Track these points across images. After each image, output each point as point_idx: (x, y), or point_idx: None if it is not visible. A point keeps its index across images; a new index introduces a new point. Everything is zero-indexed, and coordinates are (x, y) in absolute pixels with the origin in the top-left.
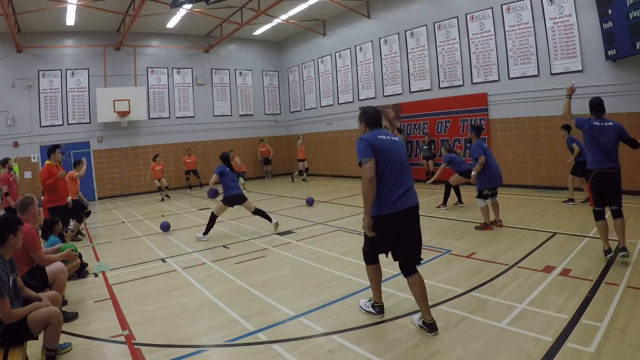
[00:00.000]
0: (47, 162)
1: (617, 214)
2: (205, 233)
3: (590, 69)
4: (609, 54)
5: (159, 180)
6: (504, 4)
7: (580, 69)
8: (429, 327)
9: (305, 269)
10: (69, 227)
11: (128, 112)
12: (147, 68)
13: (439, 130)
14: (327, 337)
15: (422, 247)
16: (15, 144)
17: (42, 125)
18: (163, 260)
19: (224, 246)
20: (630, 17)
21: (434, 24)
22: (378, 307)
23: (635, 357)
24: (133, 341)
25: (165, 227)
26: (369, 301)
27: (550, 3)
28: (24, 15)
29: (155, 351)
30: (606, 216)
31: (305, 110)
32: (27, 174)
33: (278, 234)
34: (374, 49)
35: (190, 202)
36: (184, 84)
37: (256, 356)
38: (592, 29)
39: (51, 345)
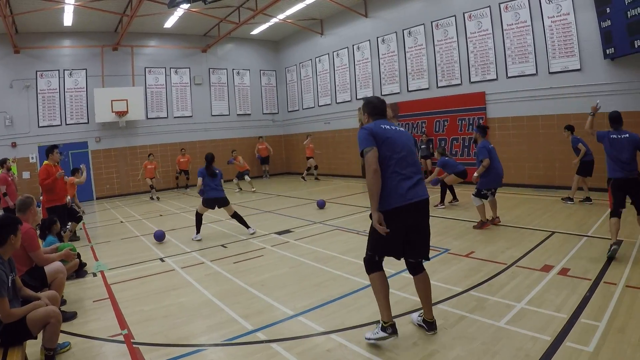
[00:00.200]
0: (45, 162)
1: None
2: (197, 232)
3: (589, 67)
4: (607, 52)
5: (151, 179)
6: (502, 3)
7: (579, 67)
8: (429, 325)
9: (304, 268)
10: (67, 227)
11: (126, 112)
12: (145, 68)
13: (437, 130)
14: (326, 336)
15: None
16: (14, 145)
17: (40, 125)
18: (161, 259)
19: (222, 245)
20: (629, 16)
21: (431, 22)
22: (390, 327)
23: (634, 356)
24: (132, 340)
25: (160, 237)
26: (376, 326)
27: (548, 2)
28: (21, 16)
29: (154, 350)
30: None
31: (303, 109)
32: (26, 174)
33: (276, 233)
34: (371, 48)
35: (188, 202)
36: (182, 84)
37: (255, 355)
38: (590, 27)
39: (50, 345)
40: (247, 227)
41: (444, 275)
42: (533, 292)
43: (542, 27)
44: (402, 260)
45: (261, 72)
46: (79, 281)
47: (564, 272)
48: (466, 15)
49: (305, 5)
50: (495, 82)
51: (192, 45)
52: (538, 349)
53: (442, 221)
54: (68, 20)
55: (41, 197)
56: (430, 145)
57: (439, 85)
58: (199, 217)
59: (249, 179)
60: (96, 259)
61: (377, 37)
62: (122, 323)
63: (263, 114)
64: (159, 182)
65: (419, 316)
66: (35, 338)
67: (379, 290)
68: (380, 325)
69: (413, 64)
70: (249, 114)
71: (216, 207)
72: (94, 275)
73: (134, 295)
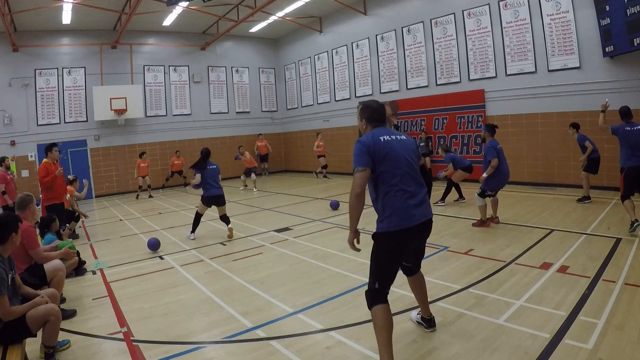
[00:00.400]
0: (44, 160)
1: None
2: (193, 231)
3: (588, 65)
4: (607, 50)
5: (143, 178)
6: (501, 1)
7: (578, 65)
8: (428, 322)
9: (303, 265)
10: (66, 225)
11: (125, 110)
12: (144, 66)
13: (436, 127)
14: (325, 334)
15: None
16: (13, 143)
17: (39, 123)
18: (161, 257)
19: (221, 243)
20: (628, 14)
21: (430, 20)
22: None
23: (633, 353)
24: (131, 338)
25: (154, 246)
26: None
27: None
28: (20, 14)
29: (154, 348)
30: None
31: (302, 107)
32: (25, 173)
33: (276, 230)
34: (370, 45)
35: (187, 200)
36: (181, 82)
37: (254, 352)
38: (589, 25)
39: (50, 343)
40: (228, 223)
41: (443, 272)
42: (532, 290)
43: (542, 25)
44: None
45: (260, 69)
46: (78, 279)
47: (563, 269)
48: (465, 12)
49: (304, 2)
50: (494, 80)
51: (191, 43)
52: (537, 346)
53: (441, 219)
54: (67, 18)
55: (40, 196)
56: (430, 143)
57: (438, 83)
58: (198, 217)
59: (255, 177)
60: (95, 257)
61: (376, 35)
62: (122, 321)
63: (262, 111)
64: (146, 181)
65: (418, 314)
66: (35, 336)
67: (382, 327)
68: None
69: (412, 62)
70: (248, 112)
71: (212, 206)
72: (94, 273)
73: (133, 292)
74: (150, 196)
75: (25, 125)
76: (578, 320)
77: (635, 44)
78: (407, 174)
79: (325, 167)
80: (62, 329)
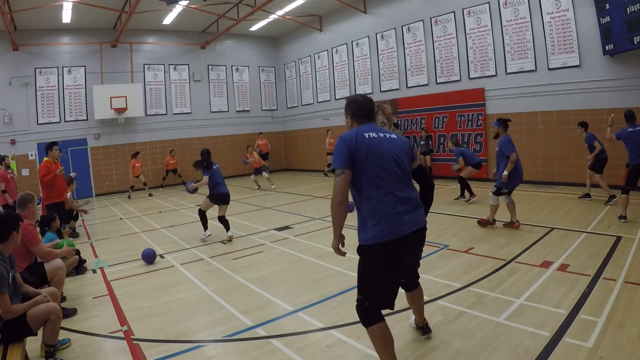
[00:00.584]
0: (45, 159)
1: None
2: (205, 229)
3: (588, 63)
4: (607, 48)
5: (137, 177)
6: None
7: (578, 63)
8: (422, 330)
9: (303, 264)
10: (66, 224)
11: (125, 109)
12: (144, 65)
13: (436, 126)
14: (326, 332)
15: None
16: (13, 142)
17: (39, 122)
18: (161, 256)
19: (221, 242)
20: (628, 12)
21: (430, 19)
22: None
23: (633, 352)
24: (132, 337)
25: (149, 257)
26: None
27: None
28: (20, 13)
29: (154, 347)
30: None
31: (302, 105)
32: (25, 172)
33: (276, 229)
34: (370, 44)
35: (186, 198)
36: (181, 81)
37: (254, 351)
38: (589, 23)
39: (50, 341)
40: (228, 229)
41: (443, 271)
42: (532, 288)
43: (542, 23)
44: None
45: (260, 68)
46: (78, 278)
47: (563, 268)
48: (465, 11)
49: (304, 1)
50: (494, 78)
51: (191, 42)
52: (537, 344)
53: (441, 217)
54: (67, 17)
55: (41, 194)
56: (430, 142)
57: (438, 82)
58: (203, 215)
59: (267, 174)
60: (96, 256)
61: (376, 34)
62: (122, 319)
63: (262, 110)
64: (140, 179)
65: (413, 320)
66: (36, 335)
67: (383, 347)
68: None
69: (412, 60)
70: (248, 111)
71: (218, 204)
72: (94, 272)
73: (133, 291)
74: (150, 195)
75: (25, 124)
76: (578, 318)
77: (635, 42)
78: (396, 175)
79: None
80: (63, 328)
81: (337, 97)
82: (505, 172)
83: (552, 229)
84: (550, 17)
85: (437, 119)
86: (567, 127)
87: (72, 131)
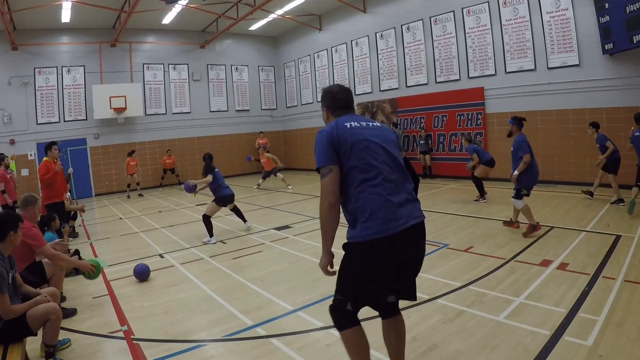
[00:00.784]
0: (44, 158)
1: None
2: (211, 235)
3: (587, 63)
4: (606, 48)
5: (131, 176)
6: None
7: (577, 63)
8: None
9: (303, 263)
10: (66, 223)
11: (124, 109)
12: (143, 64)
13: (436, 125)
14: (325, 331)
15: None
16: (12, 142)
17: (38, 122)
18: (161, 256)
19: (221, 241)
20: (628, 11)
21: (430, 18)
22: None
23: (633, 350)
24: (132, 337)
25: (142, 273)
26: None
27: None
28: (19, 13)
29: (154, 346)
30: None
31: (302, 105)
32: (24, 172)
33: (276, 228)
34: (370, 43)
35: (186, 198)
36: (180, 80)
37: (254, 350)
38: (588, 22)
39: (50, 341)
40: (245, 220)
41: (443, 270)
42: (532, 287)
43: (541, 23)
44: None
45: (260, 68)
46: (78, 278)
47: (562, 266)
48: (465, 10)
49: (303, 0)
50: (493, 78)
51: (190, 41)
52: (537, 343)
53: (441, 216)
54: (66, 16)
55: (41, 194)
56: (429, 141)
57: (437, 81)
58: (208, 220)
59: (281, 175)
60: (96, 256)
61: (376, 33)
62: (122, 319)
63: (262, 109)
64: (134, 179)
65: None
66: (36, 335)
67: (356, 353)
68: None
69: (412, 60)
70: (248, 110)
71: (226, 205)
72: None
73: (133, 291)
74: (140, 194)
75: (24, 124)
76: (578, 317)
77: (635, 42)
78: (386, 165)
79: None
80: (63, 328)
81: None
82: (516, 172)
83: (552, 227)
84: (550, 17)
85: (436, 118)
86: (567, 126)
87: (72, 131)
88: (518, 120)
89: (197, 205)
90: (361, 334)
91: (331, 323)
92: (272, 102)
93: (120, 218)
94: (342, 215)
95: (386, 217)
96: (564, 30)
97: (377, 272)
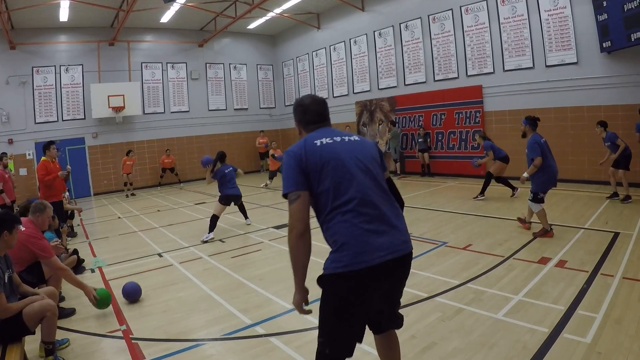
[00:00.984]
0: (43, 158)
1: None
2: (211, 231)
3: (585, 61)
4: (604, 46)
5: (127, 175)
6: None
7: (575, 61)
8: None
9: None
10: (65, 223)
11: (122, 108)
12: (142, 63)
13: (434, 123)
14: None
15: (418, 239)
16: (10, 141)
17: (36, 121)
18: (159, 255)
19: (220, 240)
20: (626, 9)
21: (428, 16)
22: None
23: (631, 347)
24: (130, 336)
25: (132, 293)
26: None
27: None
28: (17, 12)
29: (153, 345)
30: None
31: None
32: (23, 171)
33: (274, 227)
34: (368, 42)
35: (185, 197)
36: (179, 79)
37: (253, 349)
38: (587, 20)
39: (48, 338)
40: (246, 217)
41: (442, 268)
42: (530, 285)
43: (539, 21)
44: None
45: (258, 66)
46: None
47: (561, 264)
48: (463, 8)
49: None
50: (492, 76)
51: (188, 40)
52: (536, 340)
53: (440, 214)
54: (64, 15)
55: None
56: (428, 139)
57: (435, 79)
58: (215, 220)
59: None
60: (94, 255)
61: (374, 31)
62: (121, 318)
63: (260, 108)
64: (129, 178)
65: None
66: (33, 333)
67: None
68: None
69: (410, 58)
70: (246, 109)
71: (232, 204)
72: (92, 271)
73: None
74: (133, 194)
75: (22, 123)
76: (576, 314)
77: (633, 40)
78: (363, 185)
79: None
80: (62, 328)
81: (335, 95)
82: (525, 175)
83: (550, 225)
84: (548, 15)
85: (435, 117)
86: (565, 124)
87: (70, 130)
88: (532, 120)
89: (196, 204)
90: None
91: None
92: (270, 101)
93: (119, 217)
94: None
95: (358, 249)
96: (562, 28)
97: (350, 309)
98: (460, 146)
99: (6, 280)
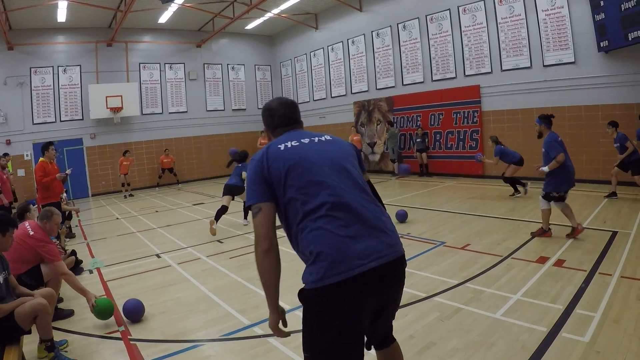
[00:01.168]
0: (41, 159)
1: None
2: (216, 220)
3: (583, 60)
4: (602, 45)
5: (124, 175)
6: None
7: (573, 60)
8: None
9: (300, 262)
10: (63, 224)
11: (121, 108)
12: (139, 64)
13: (432, 123)
14: None
15: (416, 239)
16: (8, 142)
17: (34, 122)
18: (158, 255)
19: (218, 241)
20: (623, 9)
21: (426, 16)
22: None
23: (629, 346)
24: (129, 337)
25: (133, 311)
26: None
27: None
28: (15, 12)
29: (151, 347)
30: None
31: (298, 104)
32: (21, 172)
33: None
34: (366, 42)
35: (184, 198)
36: (177, 79)
37: (252, 350)
38: (584, 20)
39: (45, 336)
40: (245, 217)
41: (440, 267)
42: (529, 284)
43: (537, 20)
44: None
45: (256, 67)
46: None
47: (559, 263)
48: (461, 8)
49: None
50: (489, 75)
51: (186, 41)
52: (534, 340)
53: (438, 214)
54: (62, 16)
55: (37, 195)
56: (426, 139)
57: (433, 79)
58: (222, 210)
59: None
60: (92, 256)
61: (372, 31)
62: (119, 320)
63: (258, 108)
64: (126, 179)
65: None
66: (29, 332)
67: None
68: None
69: (408, 58)
70: (244, 109)
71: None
72: (90, 272)
73: (130, 291)
74: (131, 195)
75: (20, 124)
76: (575, 313)
77: (630, 39)
78: (336, 188)
79: None
80: (60, 329)
81: (333, 95)
82: (546, 168)
83: (549, 225)
84: (545, 14)
85: (433, 116)
86: (563, 123)
87: (68, 131)
88: (546, 119)
89: (194, 204)
90: None
91: None
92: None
93: (117, 218)
94: None
95: (336, 258)
96: (560, 28)
97: (326, 328)
98: (458, 146)
99: (2, 282)
